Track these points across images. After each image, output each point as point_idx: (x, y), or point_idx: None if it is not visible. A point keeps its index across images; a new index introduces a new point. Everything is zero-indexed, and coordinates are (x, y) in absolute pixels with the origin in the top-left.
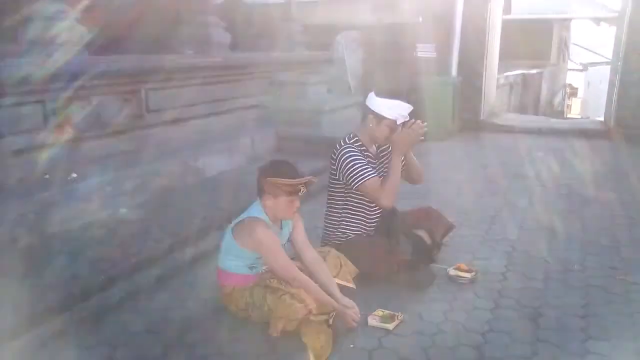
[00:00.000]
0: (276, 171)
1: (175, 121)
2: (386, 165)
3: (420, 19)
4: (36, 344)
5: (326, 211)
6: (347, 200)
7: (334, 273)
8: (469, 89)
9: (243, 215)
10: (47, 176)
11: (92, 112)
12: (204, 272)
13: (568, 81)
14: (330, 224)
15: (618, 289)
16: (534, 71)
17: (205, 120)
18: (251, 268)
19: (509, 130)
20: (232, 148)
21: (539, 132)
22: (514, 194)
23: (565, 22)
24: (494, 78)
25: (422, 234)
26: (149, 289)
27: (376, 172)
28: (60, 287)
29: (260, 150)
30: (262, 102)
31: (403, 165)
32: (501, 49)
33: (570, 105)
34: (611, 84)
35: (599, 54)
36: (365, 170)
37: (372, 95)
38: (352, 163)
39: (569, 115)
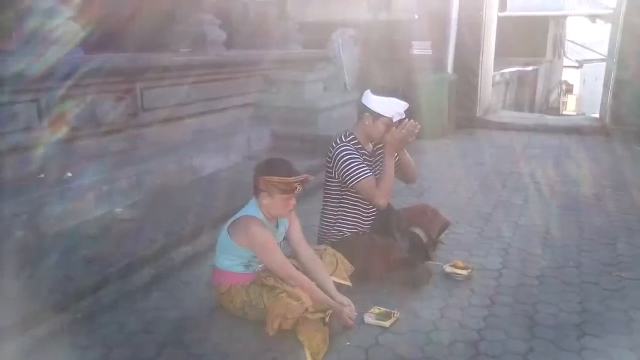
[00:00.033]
0: (272, 169)
1: (170, 119)
2: (382, 163)
3: (416, 16)
4: (31, 345)
5: (322, 209)
6: (343, 198)
7: (330, 271)
8: (464, 86)
9: (239, 214)
10: (41, 175)
11: (86, 111)
12: (200, 271)
13: (563, 78)
14: (326, 221)
15: (613, 285)
16: (529, 68)
17: (200, 118)
18: (247, 267)
19: (504, 127)
20: (228, 146)
21: (534, 129)
22: (510, 192)
23: (560, 19)
24: (490, 75)
25: (418, 231)
26: (144, 288)
27: (372, 170)
28: (55, 287)
29: (256, 148)
30: (257, 100)
31: (397, 165)
32: (497, 46)
33: (566, 102)
34: (606, 81)
35: (594, 51)
36: (361, 170)
37: (368, 93)
38: (348, 162)
39: (564, 112)
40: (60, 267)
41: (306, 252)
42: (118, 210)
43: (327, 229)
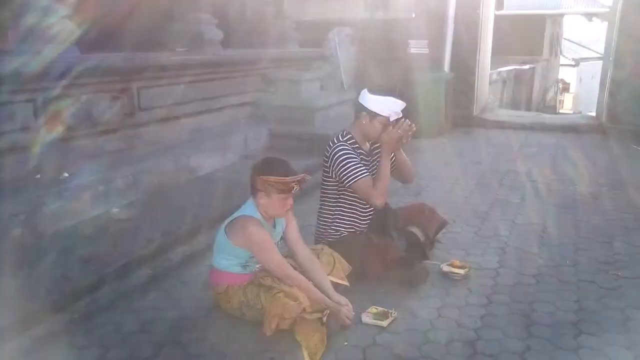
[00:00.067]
0: (269, 169)
1: (167, 119)
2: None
3: (413, 15)
4: (29, 345)
5: (319, 209)
6: (340, 198)
7: (327, 270)
8: (461, 85)
9: (236, 214)
10: (38, 176)
11: (82, 110)
12: (197, 270)
13: (560, 76)
14: (323, 221)
15: (610, 284)
16: (526, 67)
17: (197, 118)
18: (244, 267)
19: (501, 126)
20: (225, 146)
21: (531, 127)
22: (507, 190)
23: (557, 18)
24: (487, 74)
25: (416, 230)
26: (141, 288)
27: (369, 170)
28: (53, 287)
29: (253, 148)
30: (255, 100)
31: (393, 164)
32: (493, 44)
33: (563, 101)
34: (603, 79)
35: (590, 49)
36: (358, 169)
37: (365, 92)
38: (345, 161)
39: (561, 111)
40: (57, 267)
41: (303, 251)
42: (115, 210)
43: (324, 229)
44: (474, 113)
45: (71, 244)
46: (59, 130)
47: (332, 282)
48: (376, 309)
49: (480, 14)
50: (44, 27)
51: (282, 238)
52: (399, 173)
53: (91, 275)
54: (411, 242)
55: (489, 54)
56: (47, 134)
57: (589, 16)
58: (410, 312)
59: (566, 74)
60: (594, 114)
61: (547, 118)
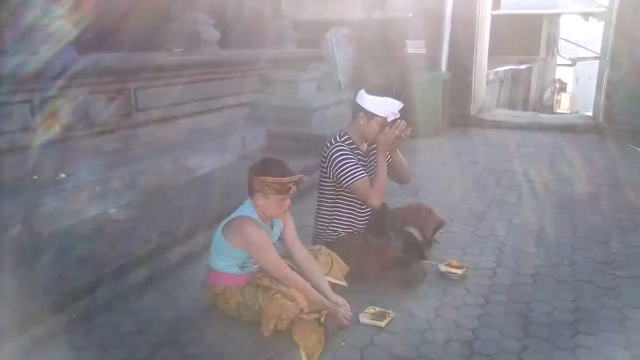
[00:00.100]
0: (267, 170)
1: (164, 119)
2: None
3: (410, 15)
4: (26, 346)
5: (317, 209)
6: (337, 198)
7: (325, 271)
8: (458, 85)
9: (234, 214)
10: (35, 177)
11: (79, 111)
12: (195, 271)
13: (557, 76)
14: (321, 221)
15: (607, 283)
16: (523, 66)
17: (195, 118)
18: (242, 267)
19: (498, 126)
20: (223, 146)
21: (528, 127)
22: (503, 190)
23: (554, 17)
24: (484, 74)
25: (413, 230)
26: (139, 288)
27: (366, 171)
28: (50, 288)
29: (251, 148)
30: (252, 100)
31: (389, 165)
32: (490, 44)
33: (560, 100)
34: (600, 79)
35: (587, 49)
36: (356, 170)
37: (362, 92)
38: (342, 162)
39: (558, 110)
40: (55, 268)
41: (301, 252)
42: (112, 210)
43: (322, 229)
44: (471, 113)
45: (69, 244)
46: (55, 130)
47: (329, 282)
48: (374, 309)
49: (477, 13)
50: (40, 27)
51: (279, 239)
52: (396, 174)
53: (89, 276)
54: (408, 242)
55: (486, 54)
56: (44, 134)
57: (586, 16)
58: (408, 312)
59: (563, 73)
60: (590, 113)
61: (544, 118)
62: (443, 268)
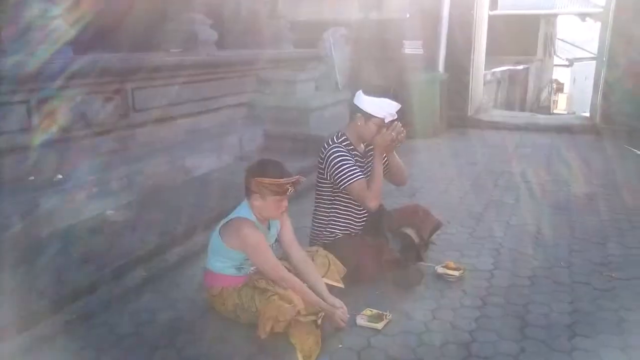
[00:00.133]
0: (264, 171)
1: (161, 120)
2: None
3: (408, 15)
4: (23, 348)
5: (314, 210)
6: (335, 200)
7: (322, 273)
8: (456, 85)
9: (231, 216)
10: (32, 178)
11: (76, 111)
12: (192, 272)
13: (554, 77)
14: (318, 223)
15: (604, 285)
16: (520, 67)
17: (192, 118)
18: (239, 269)
19: (496, 126)
20: (220, 147)
21: (525, 128)
22: (501, 191)
23: (551, 18)
24: (481, 74)
25: (410, 232)
26: (136, 290)
27: (363, 172)
28: (47, 289)
29: (248, 149)
30: (249, 100)
31: (386, 167)
32: (488, 45)
33: (557, 101)
34: (596, 80)
35: (584, 50)
36: (352, 172)
37: (360, 93)
38: (339, 163)
39: (555, 111)
40: (52, 269)
41: (298, 254)
42: (110, 211)
43: (319, 231)
44: (469, 114)
45: (66, 245)
46: (52, 131)
47: (327, 284)
48: (371, 311)
49: (474, 14)
50: (37, 27)
51: (276, 240)
52: (392, 176)
53: (86, 277)
54: (405, 244)
55: (483, 54)
56: (41, 135)
57: (583, 16)
58: (405, 314)
59: (560, 74)
60: (587, 114)
61: (541, 119)
62: (440, 270)
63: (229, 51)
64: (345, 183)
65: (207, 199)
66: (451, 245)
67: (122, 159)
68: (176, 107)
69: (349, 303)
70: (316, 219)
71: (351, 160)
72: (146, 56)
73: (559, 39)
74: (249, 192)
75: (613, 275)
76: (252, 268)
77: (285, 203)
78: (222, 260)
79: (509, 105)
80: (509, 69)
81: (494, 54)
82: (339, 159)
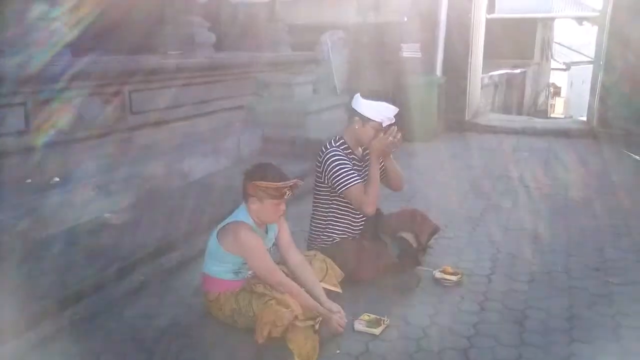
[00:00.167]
0: (261, 174)
1: (159, 123)
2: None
3: (405, 19)
4: (18, 353)
5: (312, 214)
6: (332, 203)
7: (319, 277)
8: (453, 89)
9: (228, 219)
10: (29, 180)
11: (74, 114)
12: (189, 276)
13: (551, 81)
14: (316, 227)
15: (601, 290)
16: (517, 71)
17: (190, 121)
18: (237, 273)
19: (493, 130)
20: (218, 150)
21: (523, 132)
22: (499, 196)
23: (548, 22)
24: (479, 78)
25: (408, 236)
26: (133, 294)
27: (361, 176)
28: (43, 294)
29: (246, 152)
30: (247, 103)
31: (382, 172)
32: (485, 48)
33: (554, 105)
34: (593, 84)
35: (581, 53)
36: (350, 176)
37: (357, 97)
38: (337, 167)
39: (552, 115)
40: (47, 273)
41: (296, 258)
42: (107, 215)
43: (317, 235)
44: (466, 117)
45: (62, 249)
46: (50, 133)
47: (324, 288)
48: (369, 316)
49: (471, 17)
50: (36, 29)
51: (274, 244)
52: (388, 180)
53: (82, 281)
54: (403, 248)
55: (481, 58)
56: (38, 137)
57: (580, 20)
58: (403, 319)
59: (557, 78)
60: (584, 118)
61: (538, 122)
62: (438, 275)
63: (226, 54)
64: (342, 187)
65: (204, 203)
66: (449, 250)
67: (120, 161)
68: (174, 110)
69: (347, 308)
70: (314, 222)
71: (349, 164)
72: (144, 59)
73: (556, 42)
74: (246, 196)
75: (611, 280)
76: (249, 272)
77: (283, 207)
78: (219, 264)
79: (506, 109)
80: (506, 73)
81: (492, 57)
82: (336, 163)
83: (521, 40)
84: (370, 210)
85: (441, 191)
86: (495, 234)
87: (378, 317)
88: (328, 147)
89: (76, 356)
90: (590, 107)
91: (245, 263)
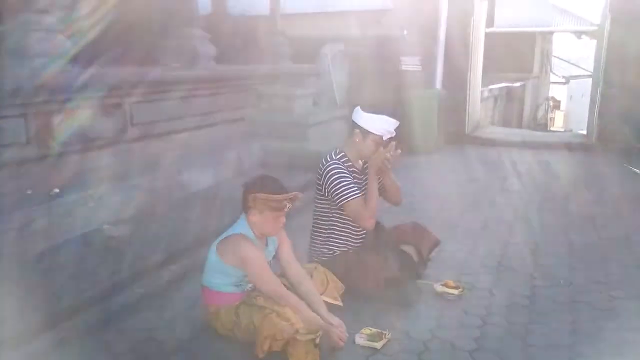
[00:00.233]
0: (262, 186)
1: (159, 135)
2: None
3: (405, 32)
4: None
5: (312, 227)
6: (333, 216)
7: (320, 290)
8: (453, 102)
9: (228, 232)
10: (29, 192)
11: (75, 126)
12: (189, 289)
13: (551, 94)
14: (316, 239)
15: (604, 305)
16: (517, 84)
17: (190, 133)
18: (237, 286)
19: (493, 143)
20: (218, 162)
21: (522, 145)
22: (499, 208)
23: (547, 35)
24: (478, 91)
25: (409, 249)
26: (132, 307)
27: (361, 189)
28: (41, 306)
29: (246, 164)
30: (248, 116)
31: (380, 186)
32: (484, 62)
33: (554, 118)
34: (593, 97)
35: (580, 67)
36: (350, 189)
37: (358, 109)
38: (337, 180)
39: (551, 128)
40: (46, 286)
41: (296, 270)
42: (106, 227)
43: (317, 247)
44: (466, 130)
45: (61, 261)
46: (50, 145)
47: (325, 301)
48: (369, 330)
49: (471, 31)
50: (38, 41)
51: (274, 257)
52: (387, 194)
53: (81, 294)
54: (404, 261)
55: (480, 71)
56: (38, 149)
57: (578, 34)
58: (404, 333)
59: (557, 91)
60: (584, 131)
61: (538, 136)
62: (439, 288)
63: (227, 66)
64: (342, 200)
65: (205, 215)
66: (450, 263)
67: (119, 174)
68: (174, 122)
69: (348, 321)
70: (314, 235)
71: (349, 177)
72: (145, 71)
73: (554, 56)
74: (246, 208)
75: (613, 294)
76: (249, 285)
77: (283, 219)
78: (220, 277)
79: (505, 122)
80: (505, 86)
81: (491, 70)
82: (336, 176)
83: (520, 54)
84: (369, 224)
85: (442, 204)
86: (497, 247)
87: (379, 330)
88: (328, 159)
89: None
90: (590, 121)
91: (246, 275)
